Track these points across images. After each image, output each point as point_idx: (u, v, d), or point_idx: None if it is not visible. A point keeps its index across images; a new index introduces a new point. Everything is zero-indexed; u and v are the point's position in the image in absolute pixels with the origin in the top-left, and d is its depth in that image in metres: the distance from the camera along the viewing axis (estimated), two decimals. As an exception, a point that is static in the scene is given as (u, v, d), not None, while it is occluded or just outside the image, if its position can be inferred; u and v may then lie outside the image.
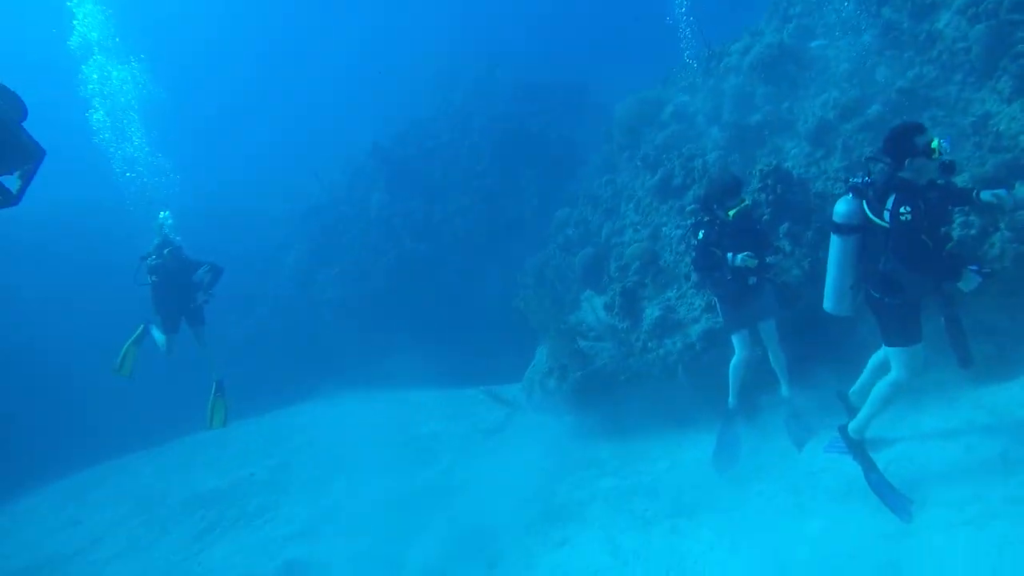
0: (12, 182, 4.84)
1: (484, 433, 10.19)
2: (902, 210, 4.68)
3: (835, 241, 5.32)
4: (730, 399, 7.24)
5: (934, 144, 4.63)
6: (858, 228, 5.10)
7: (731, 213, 6.59)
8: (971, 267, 4.76)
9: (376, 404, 13.45)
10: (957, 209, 6.01)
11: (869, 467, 5.64)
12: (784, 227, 7.82)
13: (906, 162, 4.76)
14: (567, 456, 8.55)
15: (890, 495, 5.42)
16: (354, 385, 14.59)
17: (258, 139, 34.38)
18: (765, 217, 7.86)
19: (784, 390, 7.10)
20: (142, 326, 9.57)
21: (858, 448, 5.70)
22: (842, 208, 5.17)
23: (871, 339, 5.93)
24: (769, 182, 8.00)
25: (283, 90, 39.90)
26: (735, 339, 6.99)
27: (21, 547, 10.63)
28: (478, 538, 7.41)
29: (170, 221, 9.68)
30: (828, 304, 5.55)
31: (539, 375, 9.30)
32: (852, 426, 5.73)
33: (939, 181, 4.84)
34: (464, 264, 16.55)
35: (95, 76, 15.00)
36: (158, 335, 9.62)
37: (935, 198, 4.78)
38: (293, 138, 31.64)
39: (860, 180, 5.10)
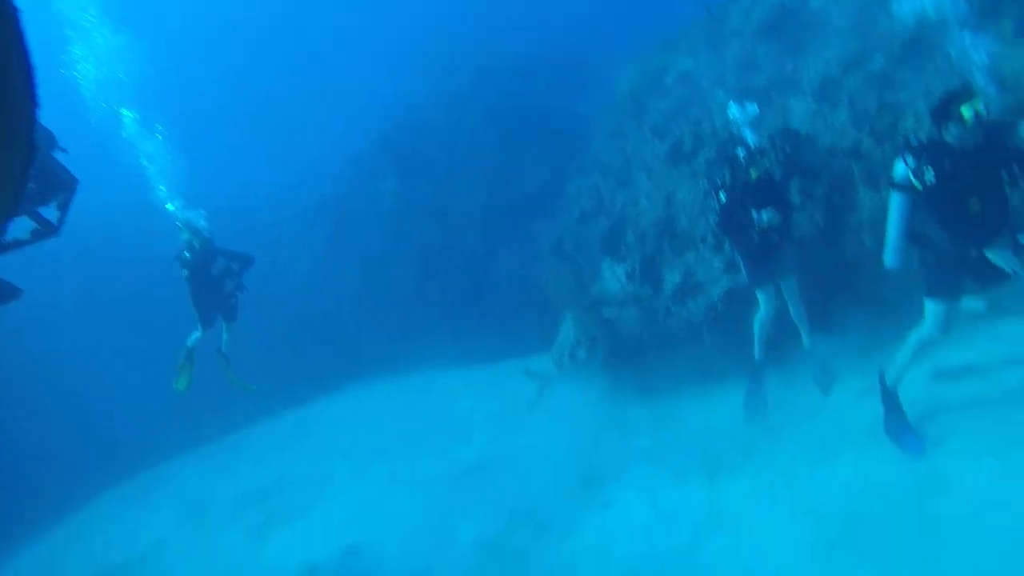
0: (51, 213, 5.02)
1: (519, 407, 10.45)
2: (927, 172, 5.00)
3: (891, 198, 5.56)
4: (756, 353, 7.53)
5: (964, 112, 4.83)
6: (908, 187, 5.32)
7: (755, 175, 6.86)
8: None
9: (406, 389, 13.75)
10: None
11: (891, 410, 5.90)
12: (795, 184, 8.02)
13: (942, 129, 5.04)
14: (603, 422, 8.83)
15: (904, 437, 5.73)
16: (382, 373, 14.88)
17: (241, 135, 34.07)
18: (777, 176, 8.06)
19: (806, 341, 7.39)
20: (187, 348, 9.84)
21: (890, 394, 5.95)
22: (896, 168, 5.40)
23: (898, 293, 6.31)
24: (778, 142, 8.17)
25: (264, 80, 39.23)
26: (760, 295, 7.26)
27: (87, 558, 10.96)
28: (524, 508, 7.68)
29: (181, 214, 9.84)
30: (886, 258, 5.78)
31: (568, 346, 9.56)
32: (889, 373, 5.95)
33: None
34: (479, 244, 16.73)
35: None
36: (194, 335, 9.90)
37: (977, 161, 4.95)
38: (282, 130, 31.52)
39: (915, 142, 5.33)
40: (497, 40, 21.96)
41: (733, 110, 7.50)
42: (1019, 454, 4.99)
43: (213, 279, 9.52)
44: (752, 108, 7.40)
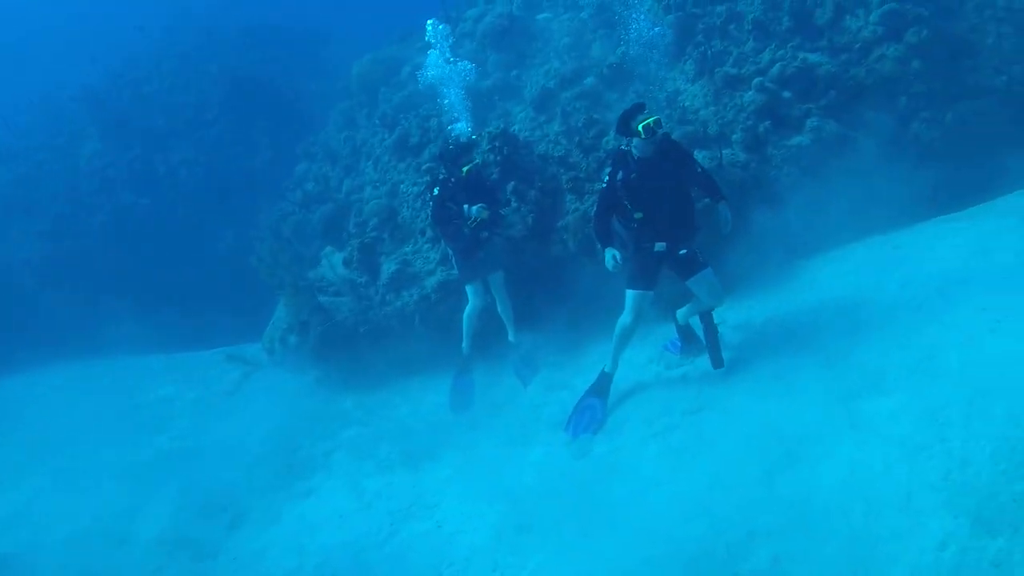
0: None
1: (221, 394, 9.80)
2: (604, 176, 5.78)
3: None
4: (464, 345, 7.82)
5: (639, 127, 5.45)
6: (604, 190, 5.93)
7: (464, 170, 7.12)
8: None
9: (93, 373, 12.22)
10: None
11: (593, 393, 6.42)
12: (511, 186, 8.46)
13: (625, 140, 5.69)
14: (310, 410, 8.61)
15: (580, 424, 6.32)
16: (66, 355, 13.08)
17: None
18: (494, 176, 8.45)
19: (511, 335, 7.81)
20: None
21: (604, 378, 6.45)
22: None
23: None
24: (497, 144, 8.57)
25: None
26: (469, 289, 7.54)
27: None
28: (219, 500, 7.25)
29: None
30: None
31: (279, 332, 9.17)
32: (607, 363, 6.43)
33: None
34: (192, 219, 15.48)
35: None
36: None
37: (650, 175, 5.64)
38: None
39: (615, 153, 5.93)
40: (231, 4, 20.55)
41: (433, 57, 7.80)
42: (676, 438, 5.70)
43: None
44: (466, 66, 7.78)
